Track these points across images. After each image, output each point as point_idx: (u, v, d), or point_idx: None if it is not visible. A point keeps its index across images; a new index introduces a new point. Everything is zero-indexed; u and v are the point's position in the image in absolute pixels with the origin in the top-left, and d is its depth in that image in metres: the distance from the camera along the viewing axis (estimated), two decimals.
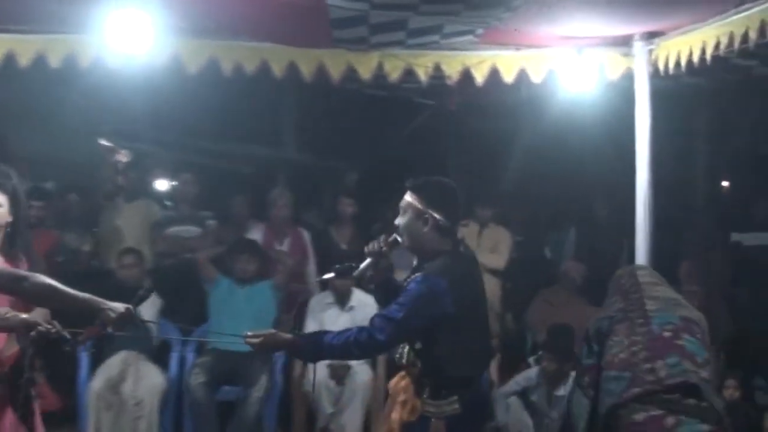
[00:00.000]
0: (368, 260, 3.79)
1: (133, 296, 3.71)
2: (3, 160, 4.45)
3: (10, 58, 5.26)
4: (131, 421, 5.91)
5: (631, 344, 3.86)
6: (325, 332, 3.67)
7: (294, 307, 6.49)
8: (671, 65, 5.15)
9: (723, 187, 10.46)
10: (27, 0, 4.84)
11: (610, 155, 7.91)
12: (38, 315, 3.60)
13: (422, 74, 5.64)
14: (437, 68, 5.63)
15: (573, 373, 6.14)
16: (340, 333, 3.58)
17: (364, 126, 9.43)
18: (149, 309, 5.98)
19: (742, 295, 7.19)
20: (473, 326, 3.67)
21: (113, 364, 6.05)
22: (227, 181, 8.63)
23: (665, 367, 3.75)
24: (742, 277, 7.28)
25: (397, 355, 3.81)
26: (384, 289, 3.92)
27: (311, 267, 7.11)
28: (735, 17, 4.51)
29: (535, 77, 5.62)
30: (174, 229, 6.89)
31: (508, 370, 6.66)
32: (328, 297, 6.62)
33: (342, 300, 6.56)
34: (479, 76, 5.60)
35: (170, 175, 8.04)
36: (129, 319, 3.37)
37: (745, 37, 4.43)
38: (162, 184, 8.40)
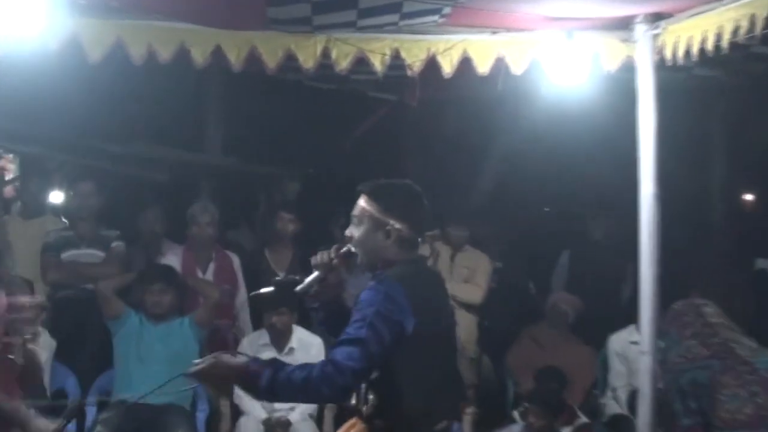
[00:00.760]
0: (315, 274, 3.77)
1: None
2: None
3: None
4: None
5: (752, 395, 4.04)
6: (283, 363, 3.53)
7: (220, 349, 6.45)
8: (680, 54, 5.20)
9: (744, 202, 10.58)
10: None
11: (607, 164, 7.97)
12: None
13: (377, 63, 5.65)
14: (396, 56, 5.64)
15: (566, 430, 6.23)
16: (301, 366, 3.46)
17: (306, 126, 9.44)
18: (42, 352, 5.89)
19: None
20: (437, 352, 3.64)
21: None
22: (137, 191, 8.57)
23: None
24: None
25: None
26: (331, 311, 3.90)
27: (241, 299, 7.11)
28: None
29: (515, 67, 5.65)
30: (70, 253, 6.83)
31: (486, 427, 6.68)
32: (263, 337, 6.62)
33: (279, 340, 6.55)
34: (447, 66, 5.63)
35: (67, 185, 7.92)
36: None
37: None
38: (57, 197, 8.30)
